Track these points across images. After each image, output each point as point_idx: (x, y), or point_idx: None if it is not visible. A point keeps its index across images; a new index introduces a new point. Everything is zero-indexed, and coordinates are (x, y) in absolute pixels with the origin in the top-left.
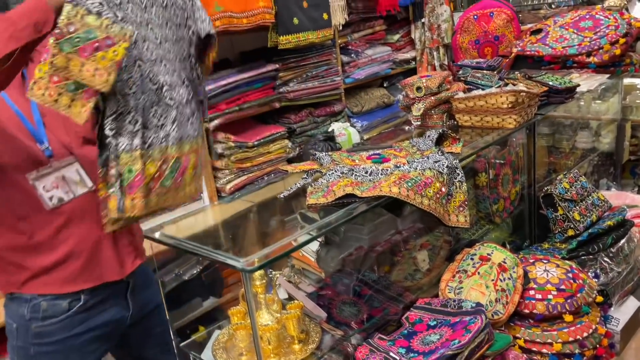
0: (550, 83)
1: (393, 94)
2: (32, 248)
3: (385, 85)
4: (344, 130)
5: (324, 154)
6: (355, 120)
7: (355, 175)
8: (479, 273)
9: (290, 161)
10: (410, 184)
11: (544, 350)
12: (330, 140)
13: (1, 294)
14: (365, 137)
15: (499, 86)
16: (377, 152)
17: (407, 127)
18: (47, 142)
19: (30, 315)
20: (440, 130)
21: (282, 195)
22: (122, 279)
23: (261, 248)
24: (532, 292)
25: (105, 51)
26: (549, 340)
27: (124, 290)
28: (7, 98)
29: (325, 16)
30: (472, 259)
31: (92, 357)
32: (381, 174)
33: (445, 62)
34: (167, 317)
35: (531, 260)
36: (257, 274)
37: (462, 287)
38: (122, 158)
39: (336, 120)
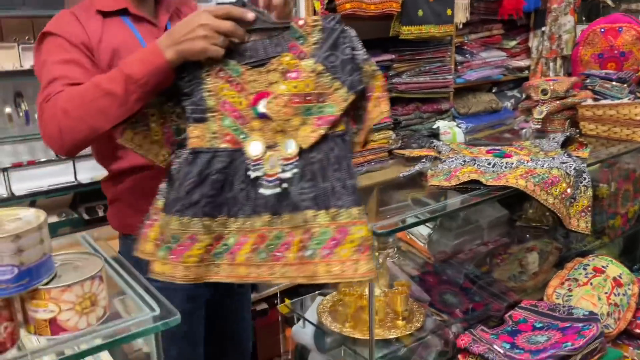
0: None
1: (501, 100)
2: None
3: (494, 90)
4: (449, 129)
5: (441, 142)
6: (460, 121)
7: (478, 164)
8: (591, 284)
9: (390, 153)
10: (537, 180)
11: None
12: (434, 137)
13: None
14: (469, 139)
15: (630, 99)
16: (497, 147)
17: (522, 130)
18: None
19: None
20: (568, 134)
21: (402, 175)
22: None
23: (381, 219)
24: None
25: None
26: None
27: None
28: None
29: (449, 12)
30: (584, 269)
31: (196, 303)
32: (505, 167)
33: (562, 74)
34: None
35: None
36: None
37: (571, 295)
38: None
39: (442, 119)
